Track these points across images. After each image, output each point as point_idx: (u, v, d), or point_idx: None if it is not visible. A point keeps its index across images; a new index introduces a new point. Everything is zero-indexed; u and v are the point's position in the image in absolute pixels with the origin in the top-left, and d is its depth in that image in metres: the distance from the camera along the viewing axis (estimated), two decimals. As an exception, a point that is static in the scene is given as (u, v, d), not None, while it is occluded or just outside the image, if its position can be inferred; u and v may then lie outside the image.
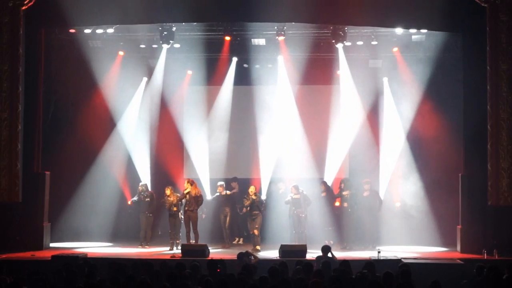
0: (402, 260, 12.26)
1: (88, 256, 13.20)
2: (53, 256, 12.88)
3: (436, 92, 17.30)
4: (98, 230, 17.14)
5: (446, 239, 15.88)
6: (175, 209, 15.27)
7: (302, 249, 13.71)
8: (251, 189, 15.53)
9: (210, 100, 18.21)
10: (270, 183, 17.26)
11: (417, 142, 17.39)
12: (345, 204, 15.72)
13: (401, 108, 17.34)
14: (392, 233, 16.46)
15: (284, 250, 13.68)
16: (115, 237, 16.93)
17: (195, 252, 13.56)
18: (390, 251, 14.24)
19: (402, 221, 16.74)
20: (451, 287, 9.96)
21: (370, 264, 9.89)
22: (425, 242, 16.20)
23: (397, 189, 17.32)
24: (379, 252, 12.98)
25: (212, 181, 17.59)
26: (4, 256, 13.37)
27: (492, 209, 14.40)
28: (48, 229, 15.30)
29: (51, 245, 15.37)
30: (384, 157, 17.48)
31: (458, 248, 14.71)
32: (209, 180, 17.64)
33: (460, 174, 14.96)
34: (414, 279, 8.62)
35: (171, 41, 16.70)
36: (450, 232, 15.62)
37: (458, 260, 13.17)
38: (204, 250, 13.67)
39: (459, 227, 14.84)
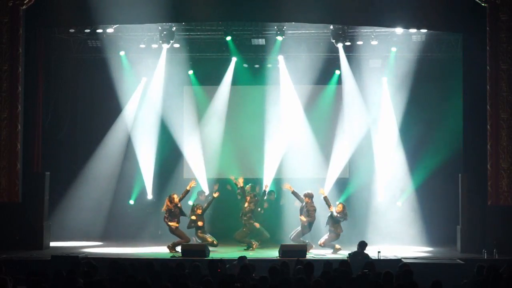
0: (402, 260, 12.26)
1: (88, 256, 13.20)
2: (53, 256, 12.87)
3: (436, 92, 17.31)
4: (98, 230, 17.16)
5: (446, 239, 15.89)
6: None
7: (302, 249, 13.72)
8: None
9: (210, 100, 18.20)
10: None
11: (416, 142, 17.38)
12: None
13: (401, 107, 17.33)
14: (392, 233, 16.49)
15: (284, 250, 13.70)
16: (115, 237, 16.93)
17: (195, 252, 13.57)
18: (390, 251, 14.24)
19: (402, 221, 16.76)
20: (451, 287, 9.97)
21: (370, 264, 9.90)
22: (425, 242, 16.23)
23: (397, 189, 17.34)
24: (379, 252, 12.98)
25: (210, 181, 17.58)
26: (4, 256, 13.35)
27: (492, 209, 14.40)
28: (48, 229, 15.29)
29: (51, 245, 15.36)
30: (384, 157, 17.47)
31: (458, 248, 14.72)
32: (206, 180, 17.62)
33: (460, 174, 14.97)
34: (414, 279, 8.61)
35: (171, 41, 16.69)
36: (450, 232, 15.63)
37: (458, 260, 13.18)
38: (204, 250, 13.69)
39: (459, 227, 14.84)
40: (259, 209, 16.00)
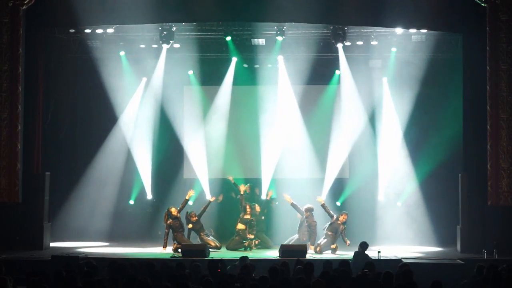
0: (402, 260, 12.26)
1: (88, 256, 13.20)
2: (53, 256, 12.88)
3: (436, 92, 17.31)
4: (98, 230, 17.14)
5: (446, 239, 15.90)
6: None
7: (302, 249, 13.72)
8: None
9: (210, 100, 18.19)
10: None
11: (417, 142, 17.38)
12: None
13: (401, 108, 17.33)
14: (392, 233, 16.49)
15: (284, 250, 13.69)
16: (116, 237, 16.93)
17: (195, 252, 13.57)
18: (390, 251, 14.24)
19: (402, 221, 16.76)
20: (451, 287, 9.97)
21: (370, 264, 9.89)
22: (425, 242, 16.23)
23: (397, 189, 17.33)
24: (379, 252, 12.98)
25: (213, 181, 17.58)
26: (4, 256, 13.35)
27: (492, 209, 14.41)
28: (48, 229, 15.30)
29: (51, 245, 15.36)
30: (384, 157, 17.45)
31: (458, 248, 14.73)
32: (210, 180, 17.62)
33: (460, 174, 14.98)
34: (414, 279, 8.61)
35: (171, 41, 16.67)
36: (450, 232, 15.64)
37: (458, 260, 13.18)
38: (204, 250, 13.69)
39: (459, 227, 14.85)
40: (262, 217, 16.01)
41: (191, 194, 15.61)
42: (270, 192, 16.61)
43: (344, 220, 15.04)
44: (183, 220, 15.26)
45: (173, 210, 15.02)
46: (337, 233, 14.99)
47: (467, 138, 15.01)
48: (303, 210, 15.32)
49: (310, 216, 15.24)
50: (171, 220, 14.94)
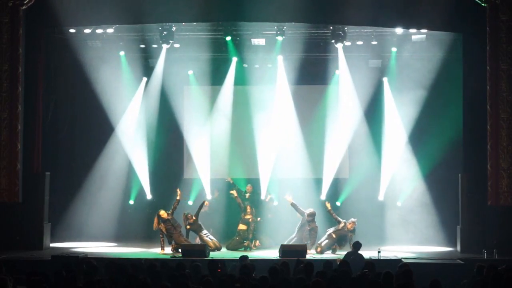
0: (402, 260, 12.26)
1: (88, 256, 13.19)
2: (53, 256, 12.88)
3: (436, 92, 17.30)
4: (99, 230, 17.14)
5: (446, 239, 15.90)
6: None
7: (302, 249, 13.72)
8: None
9: (210, 100, 18.19)
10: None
11: (417, 142, 17.38)
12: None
13: (401, 108, 17.33)
14: (392, 233, 16.50)
15: (284, 250, 13.70)
16: (116, 237, 16.93)
17: (195, 252, 13.57)
18: (390, 251, 14.25)
19: (402, 221, 16.77)
20: (451, 287, 9.97)
21: (370, 264, 9.90)
22: (425, 242, 16.23)
23: (397, 189, 17.34)
24: (379, 252, 12.99)
25: (212, 181, 17.58)
26: (4, 256, 13.36)
27: (492, 209, 14.42)
28: (48, 229, 15.30)
29: (51, 245, 15.37)
30: (385, 156, 17.46)
31: (458, 248, 14.74)
32: (209, 180, 17.62)
33: (460, 174, 14.98)
34: (414, 279, 8.61)
35: (171, 41, 16.68)
36: (450, 232, 15.64)
37: (458, 260, 13.18)
38: (204, 250, 13.69)
39: (459, 227, 14.85)
40: (258, 219, 16.00)
41: (180, 193, 15.45)
42: (269, 196, 16.60)
43: (352, 228, 14.96)
44: (179, 221, 15.16)
45: (162, 213, 14.77)
46: (345, 240, 14.90)
47: (467, 138, 15.02)
48: (306, 214, 15.26)
49: (312, 221, 15.21)
50: (161, 224, 14.80)
